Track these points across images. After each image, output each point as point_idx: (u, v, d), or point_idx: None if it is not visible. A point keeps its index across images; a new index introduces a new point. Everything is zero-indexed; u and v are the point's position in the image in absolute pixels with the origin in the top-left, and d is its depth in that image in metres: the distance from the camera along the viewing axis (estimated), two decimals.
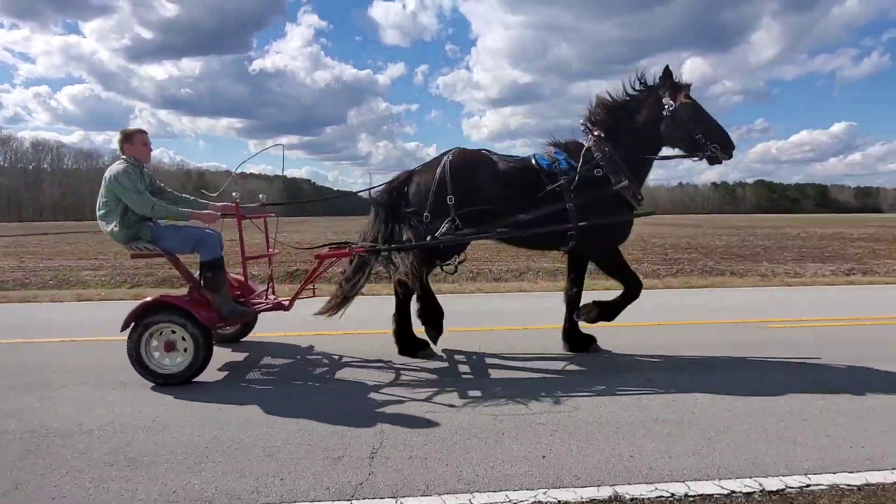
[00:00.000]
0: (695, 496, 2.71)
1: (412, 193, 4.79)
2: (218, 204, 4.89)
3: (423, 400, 4.04)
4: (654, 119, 4.77)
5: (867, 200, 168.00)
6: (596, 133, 4.83)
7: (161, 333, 4.34)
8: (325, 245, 5.21)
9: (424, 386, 4.35)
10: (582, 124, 4.96)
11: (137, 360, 4.29)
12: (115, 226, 4.44)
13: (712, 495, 2.71)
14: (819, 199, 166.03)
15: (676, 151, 4.83)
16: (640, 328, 6.17)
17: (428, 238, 4.65)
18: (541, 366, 4.84)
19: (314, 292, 5.40)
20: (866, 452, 3.13)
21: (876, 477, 2.87)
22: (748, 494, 2.72)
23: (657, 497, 2.70)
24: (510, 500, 2.70)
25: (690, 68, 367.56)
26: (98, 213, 4.53)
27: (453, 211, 4.62)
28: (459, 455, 3.17)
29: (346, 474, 2.98)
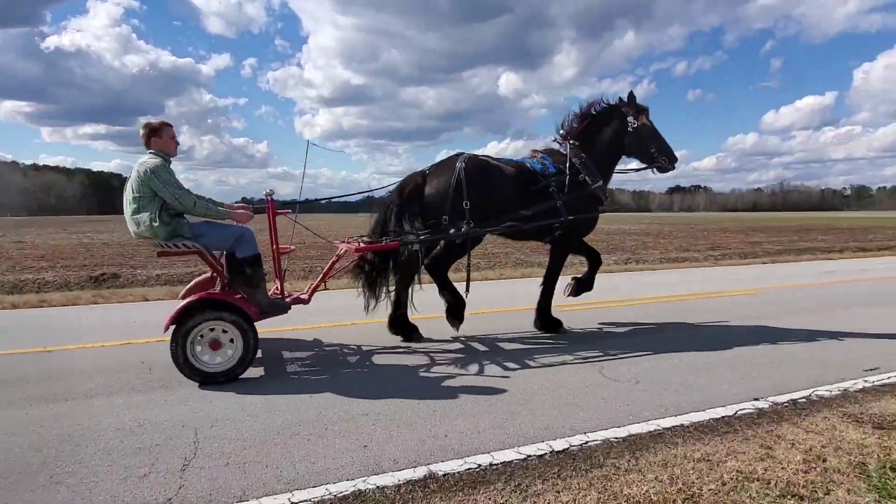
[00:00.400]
0: (498, 464, 3.04)
1: (429, 196, 5.28)
2: (235, 205, 4.80)
3: (239, 403, 3.88)
4: (619, 133, 5.79)
5: (640, 202, 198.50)
6: (572, 142, 5.73)
7: (211, 331, 4.29)
8: (356, 238, 5.50)
9: (242, 388, 4.18)
10: (559, 133, 5.89)
11: (185, 360, 4.21)
12: (155, 221, 4.29)
13: (512, 461, 3.07)
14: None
15: (635, 161, 5.90)
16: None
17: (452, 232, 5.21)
18: (369, 358, 4.95)
19: (325, 286, 5.42)
20: (629, 410, 3.79)
21: (636, 428, 3.49)
22: (540, 456, 3.13)
23: (466, 470, 2.98)
24: (330, 493, 2.75)
25: (506, 82, 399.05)
26: (129, 209, 4.33)
27: (468, 214, 5.21)
28: (279, 455, 3.13)
29: (154, 491, 2.76)
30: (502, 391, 4.14)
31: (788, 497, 2.72)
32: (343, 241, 5.50)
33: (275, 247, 5.10)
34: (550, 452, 3.17)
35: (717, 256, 16.00)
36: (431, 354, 5.14)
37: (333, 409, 3.81)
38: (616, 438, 3.35)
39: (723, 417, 3.66)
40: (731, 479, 2.88)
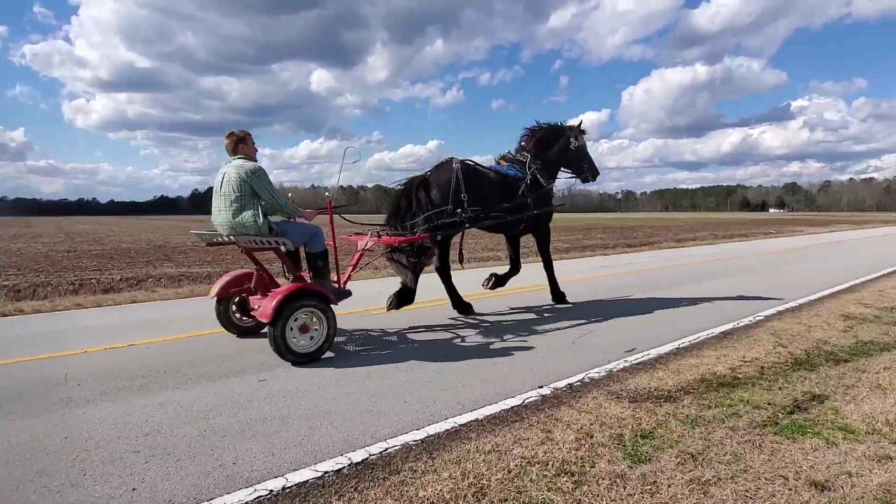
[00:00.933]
0: (292, 486, 2.87)
1: (434, 191, 6.38)
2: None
3: None
4: (564, 150, 7.59)
5: None
6: (531, 153, 7.35)
7: (304, 316, 4.93)
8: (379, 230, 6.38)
9: None
10: (520, 145, 7.49)
11: (284, 344, 4.78)
12: (258, 219, 4.84)
13: (307, 481, 2.93)
14: None
15: (568, 172, 7.74)
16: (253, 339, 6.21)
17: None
18: (146, 383, 4.35)
19: (349, 277, 6.05)
20: (430, 410, 3.89)
21: (434, 429, 3.58)
22: (338, 471, 3.03)
23: (256, 499, 2.76)
24: None
25: (318, 79, 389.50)
26: (231, 208, 4.82)
27: (466, 204, 6.42)
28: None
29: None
30: (302, 405, 3.95)
31: (563, 475, 3.01)
32: (367, 236, 6.36)
33: (334, 242, 5.85)
34: (349, 465, 3.09)
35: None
36: (224, 370, 4.72)
37: (98, 449, 3.26)
38: (415, 441, 3.40)
39: (512, 408, 3.95)
40: (516, 465, 3.10)
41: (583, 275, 11.54)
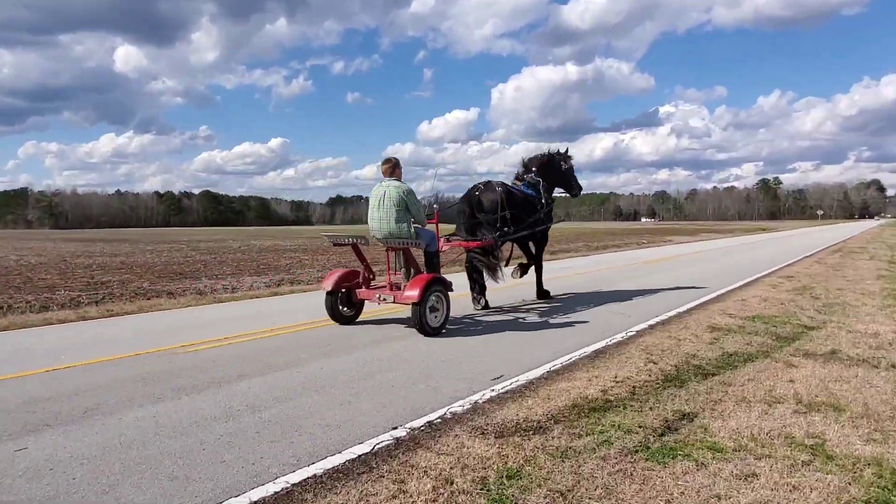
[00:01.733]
0: None
1: (486, 206, 9.12)
2: None
3: None
4: (558, 170, 10.50)
5: (300, 213, 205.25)
6: (540, 176, 10.16)
7: (433, 299, 7.42)
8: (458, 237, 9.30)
9: None
10: (530, 169, 10.20)
11: (423, 320, 7.24)
12: (410, 228, 7.59)
13: None
14: (261, 211, 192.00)
15: (561, 190, 10.74)
16: (20, 379, 5.42)
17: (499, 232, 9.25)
18: None
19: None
20: (254, 470, 3.59)
21: (258, 493, 3.30)
22: None
23: None
24: None
25: (126, 56, 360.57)
26: (392, 218, 7.53)
27: (508, 219, 9.21)
28: None
29: None
30: (78, 477, 3.45)
31: None
32: (442, 240, 8.82)
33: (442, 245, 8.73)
34: None
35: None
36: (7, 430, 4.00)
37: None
38: None
39: (360, 456, 3.79)
40: None
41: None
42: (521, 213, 9.44)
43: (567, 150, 10.70)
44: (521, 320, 8.45)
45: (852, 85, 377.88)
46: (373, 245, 8.24)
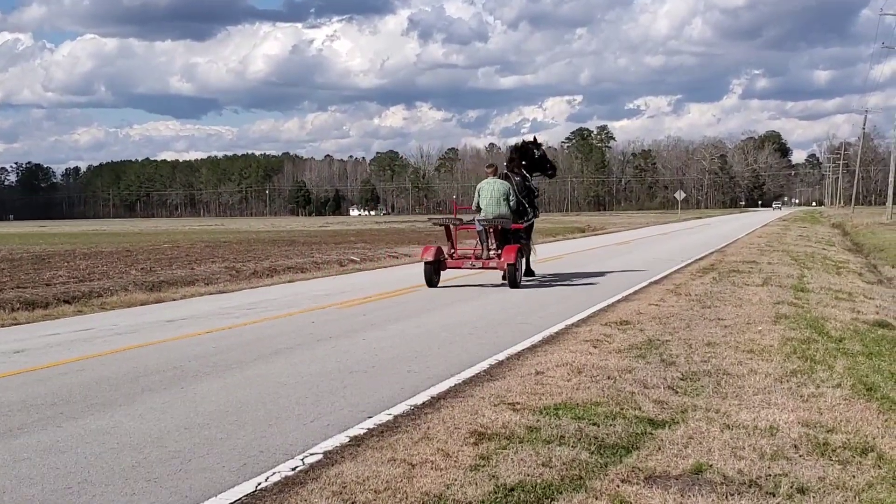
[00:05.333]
0: None
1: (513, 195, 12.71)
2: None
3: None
4: (534, 158, 13.37)
5: None
6: (524, 166, 13.20)
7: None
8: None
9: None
10: (518, 160, 13.16)
11: (516, 275, 11.66)
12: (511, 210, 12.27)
13: None
14: None
15: (538, 175, 13.70)
16: None
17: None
18: None
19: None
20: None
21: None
22: None
23: None
24: None
25: None
26: (503, 204, 12.00)
27: (528, 205, 13.11)
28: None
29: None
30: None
31: None
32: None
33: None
34: None
35: None
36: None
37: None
38: None
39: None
40: None
41: None
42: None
43: (535, 138, 13.95)
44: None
45: None
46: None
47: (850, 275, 14.72)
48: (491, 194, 11.99)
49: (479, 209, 12.13)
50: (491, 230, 11.89)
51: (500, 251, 11.74)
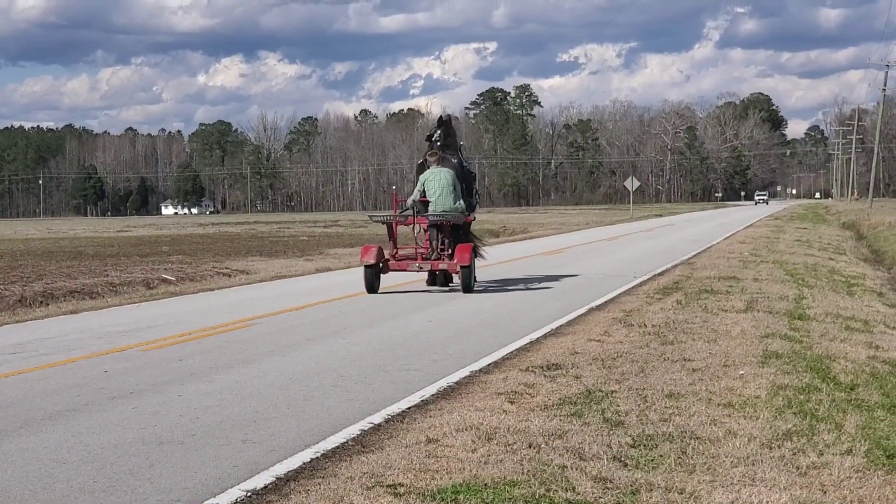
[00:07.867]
0: None
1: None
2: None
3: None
4: (454, 137, 12.74)
5: None
6: (455, 146, 12.57)
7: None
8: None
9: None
10: (452, 137, 12.59)
11: (471, 279, 11.09)
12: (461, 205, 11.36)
13: None
14: None
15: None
16: None
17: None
18: None
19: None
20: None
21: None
22: None
23: None
24: None
25: None
26: (452, 197, 11.17)
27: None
28: None
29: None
30: None
31: None
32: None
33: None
34: None
35: None
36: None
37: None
38: None
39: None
40: None
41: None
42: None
43: (450, 116, 15.60)
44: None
45: None
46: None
47: (866, 295, 11.61)
48: (440, 186, 10.88)
49: (418, 204, 11.03)
50: (436, 227, 11.10)
51: (450, 251, 10.77)
